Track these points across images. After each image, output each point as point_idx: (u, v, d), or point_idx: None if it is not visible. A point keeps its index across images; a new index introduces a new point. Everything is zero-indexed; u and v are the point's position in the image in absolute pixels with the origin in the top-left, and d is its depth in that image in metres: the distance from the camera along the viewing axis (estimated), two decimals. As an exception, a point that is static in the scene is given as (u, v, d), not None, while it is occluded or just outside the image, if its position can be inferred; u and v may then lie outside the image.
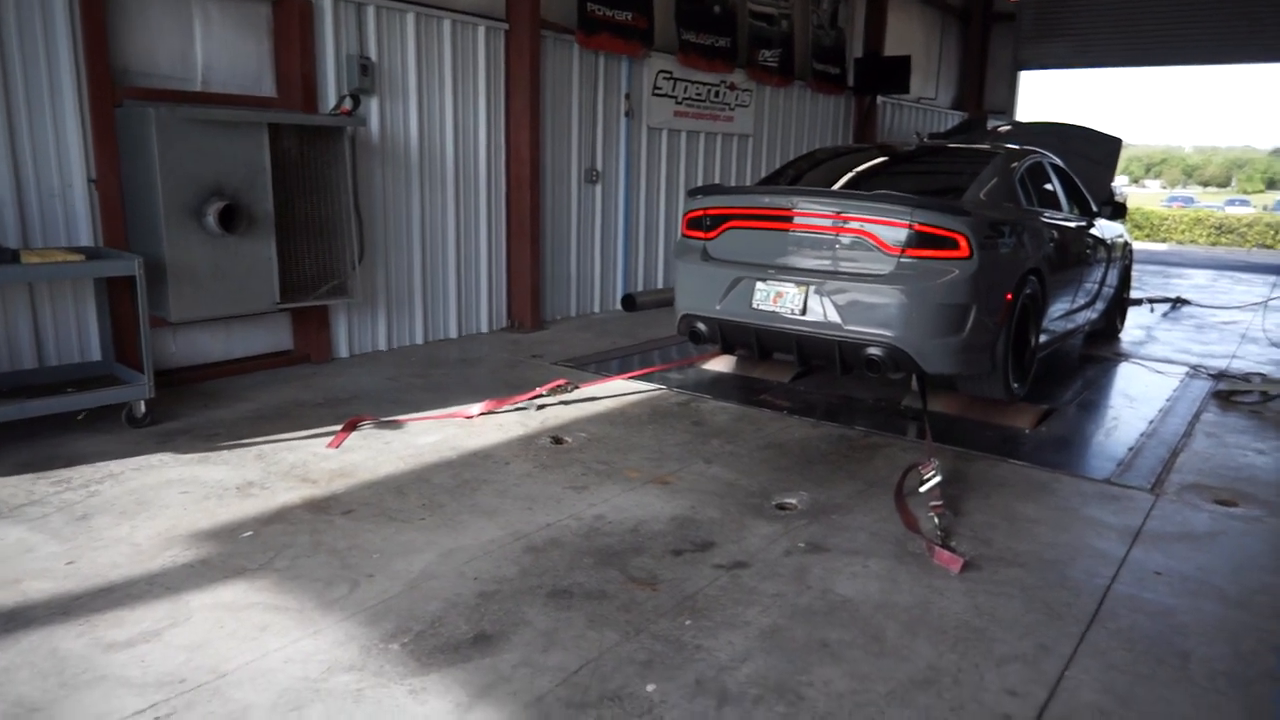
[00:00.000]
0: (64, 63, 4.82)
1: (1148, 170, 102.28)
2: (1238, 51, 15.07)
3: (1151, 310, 9.84)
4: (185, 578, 3.08)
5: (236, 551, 3.29)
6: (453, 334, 7.33)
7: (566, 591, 3.06)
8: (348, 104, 6.00)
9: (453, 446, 4.55)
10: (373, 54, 6.35)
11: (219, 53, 5.62)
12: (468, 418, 5.04)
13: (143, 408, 4.66)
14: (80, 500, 3.71)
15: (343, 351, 6.47)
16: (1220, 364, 7.09)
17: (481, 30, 7.14)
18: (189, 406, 5.08)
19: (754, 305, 5.25)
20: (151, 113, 4.83)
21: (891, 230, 4.88)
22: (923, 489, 3.93)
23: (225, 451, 4.37)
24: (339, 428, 4.75)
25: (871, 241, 4.93)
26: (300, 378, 5.85)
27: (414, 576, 3.14)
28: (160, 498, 3.76)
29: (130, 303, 4.69)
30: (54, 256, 4.36)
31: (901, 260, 4.86)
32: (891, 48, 13.24)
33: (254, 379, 5.74)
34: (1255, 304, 10.13)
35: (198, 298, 5.13)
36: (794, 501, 3.96)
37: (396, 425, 4.88)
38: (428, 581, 3.10)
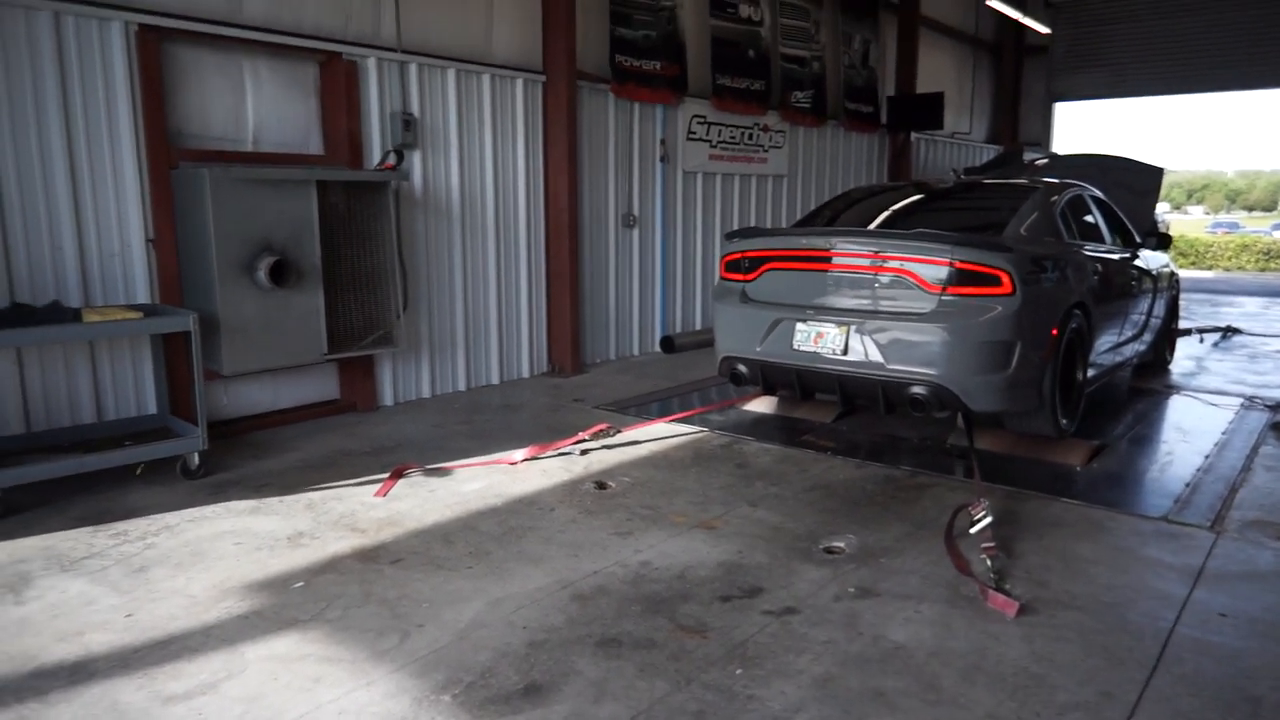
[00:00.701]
0: (124, 129, 5.04)
1: (1190, 196, 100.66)
2: (1272, 76, 14.88)
3: (1201, 340, 9.63)
4: (240, 629, 3.12)
5: (289, 602, 3.33)
6: (495, 380, 7.42)
7: (615, 640, 3.05)
8: (391, 159, 6.17)
9: (498, 493, 4.58)
10: (415, 109, 6.53)
11: (269, 113, 5.83)
12: (512, 464, 5.07)
13: (196, 460, 4.77)
14: (138, 552, 3.79)
15: (387, 399, 6.57)
16: (1277, 394, 6.90)
17: (520, 83, 7.32)
18: (240, 457, 5.18)
19: (795, 346, 5.25)
20: (206, 174, 5.01)
21: (932, 268, 4.86)
22: (973, 530, 3.86)
23: (276, 502, 4.44)
24: (386, 476, 4.81)
25: (912, 280, 4.92)
26: (346, 426, 5.95)
27: (463, 626, 3.15)
28: (214, 549, 3.83)
29: (185, 357, 4.83)
30: (113, 315, 4.52)
31: (943, 298, 4.83)
32: (924, 84, 13.28)
33: (301, 429, 5.85)
34: (1310, 332, 9.87)
35: (249, 351, 5.26)
36: (842, 545, 3.91)
37: (442, 473, 4.93)
38: (477, 631, 3.11)
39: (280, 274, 5.26)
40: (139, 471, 4.76)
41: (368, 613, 3.25)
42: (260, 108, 5.79)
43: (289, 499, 4.48)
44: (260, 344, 5.29)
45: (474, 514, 4.29)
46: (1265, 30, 14.52)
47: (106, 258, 5.06)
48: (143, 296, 5.21)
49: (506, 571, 3.62)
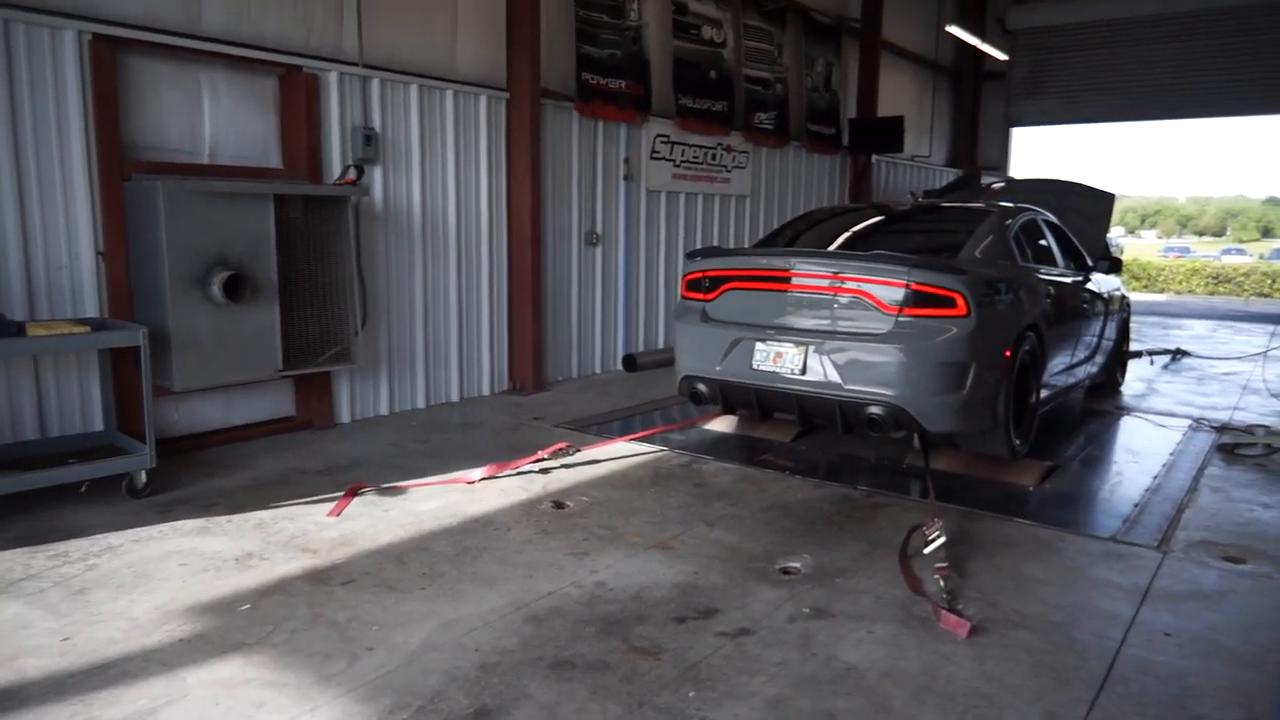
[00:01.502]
0: (75, 139, 4.94)
1: (1143, 221, 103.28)
2: (1225, 105, 15.39)
3: (1151, 362, 9.85)
4: (182, 653, 3.04)
5: (234, 625, 3.26)
6: (454, 397, 7.35)
7: (568, 662, 3.02)
8: (352, 174, 6.12)
9: (454, 513, 4.53)
10: (376, 124, 6.49)
11: (226, 126, 5.76)
12: (469, 483, 5.02)
13: (144, 478, 4.66)
14: (78, 574, 3.68)
15: (344, 417, 6.49)
16: (1223, 416, 7.07)
17: (484, 99, 7.31)
18: (190, 475, 5.07)
19: (754, 366, 5.27)
20: (159, 186, 4.93)
21: (889, 290, 4.92)
22: (927, 550, 3.90)
23: (225, 521, 4.35)
24: (340, 495, 4.74)
25: (869, 301, 4.98)
26: (301, 444, 5.85)
27: (414, 649, 3.10)
28: (159, 570, 3.74)
29: (134, 372, 4.73)
30: (59, 328, 4.41)
31: (900, 319, 4.89)
32: (885, 107, 13.50)
33: (255, 446, 5.75)
34: (1255, 354, 10.14)
35: (202, 366, 5.16)
36: (798, 565, 3.92)
37: (397, 492, 4.86)
38: (428, 654, 3.07)
39: (235, 289, 5.18)
40: (84, 489, 4.64)
41: (316, 635, 3.19)
42: (218, 120, 5.71)
43: (238, 519, 4.39)
44: (213, 360, 5.20)
45: (428, 534, 4.23)
46: (1215, 61, 15.00)
47: (54, 270, 4.95)
48: (91, 310, 5.09)
49: (460, 593, 3.58)
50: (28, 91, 4.77)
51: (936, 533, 3.93)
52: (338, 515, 4.46)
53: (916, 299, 4.87)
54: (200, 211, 5.06)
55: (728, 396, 5.55)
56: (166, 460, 5.07)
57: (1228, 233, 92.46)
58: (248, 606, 3.42)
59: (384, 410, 6.78)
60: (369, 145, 6.36)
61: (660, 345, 9.55)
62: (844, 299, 5.07)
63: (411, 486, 4.95)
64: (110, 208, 5.10)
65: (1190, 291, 27.82)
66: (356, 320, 5.99)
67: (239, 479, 5.06)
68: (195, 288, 5.09)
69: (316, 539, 4.14)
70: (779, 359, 5.19)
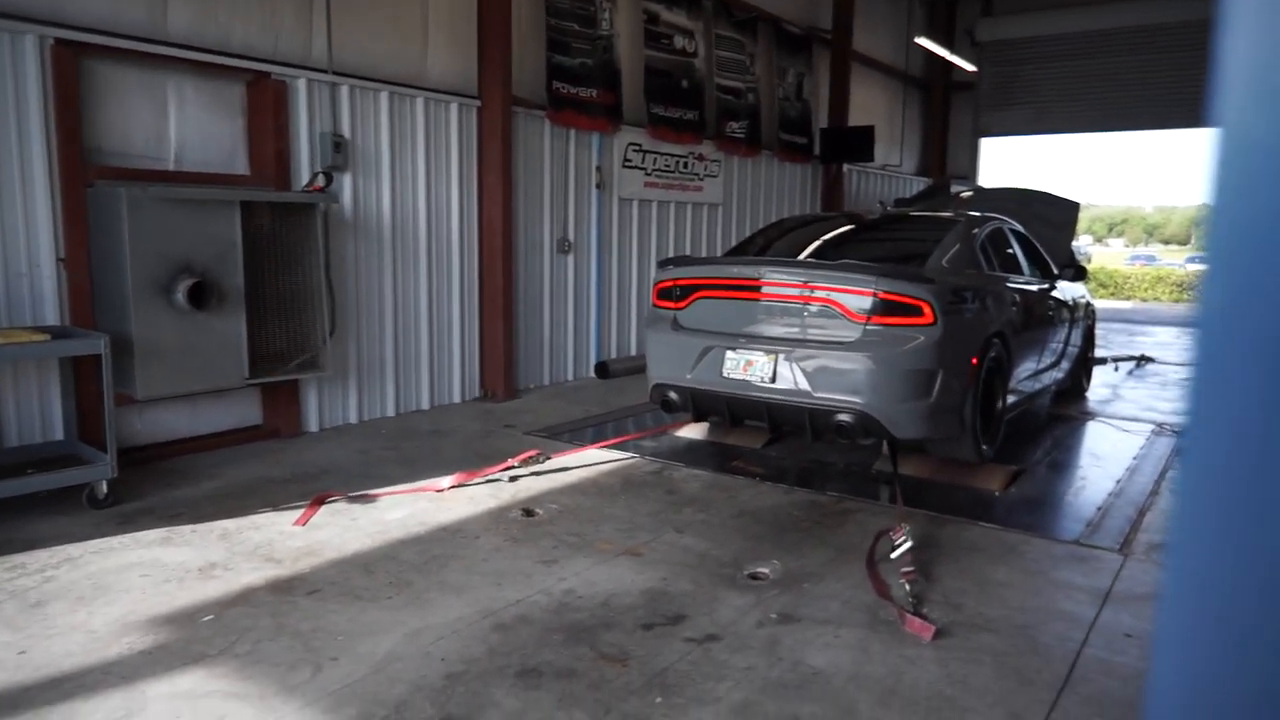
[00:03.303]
0: (36, 145, 4.87)
1: (1110, 230, 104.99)
2: (1190, 116, 15.68)
3: (1116, 369, 10.00)
4: (142, 666, 3.00)
5: (196, 636, 3.21)
6: (425, 405, 7.31)
7: (535, 671, 3.01)
8: (320, 181, 6.08)
9: (422, 521, 4.50)
10: (346, 131, 6.46)
11: (193, 132, 5.70)
12: (438, 491, 4.99)
13: (105, 488, 4.59)
14: (35, 586, 3.61)
15: (312, 425, 6.43)
16: (1185, 421, 7.18)
17: (454, 107, 7.30)
18: (153, 485, 5.00)
19: (724, 373, 5.30)
20: (123, 192, 4.87)
21: (857, 298, 4.97)
22: (894, 555, 3.93)
23: (188, 531, 4.29)
24: (306, 504, 4.69)
25: (838, 310, 5.02)
26: (268, 453, 5.79)
27: (379, 659, 3.07)
28: (119, 582, 3.68)
29: (95, 381, 4.65)
30: (18, 336, 4.34)
31: (868, 327, 4.94)
32: (856, 117, 13.64)
33: (221, 455, 5.68)
34: (1218, 361, 10.31)
35: (165, 375, 5.10)
36: (766, 571, 3.93)
37: (365, 500, 4.82)
38: (393, 664, 3.04)
39: (200, 296, 5.12)
40: (43, 496, 4.56)
41: (280, 646, 3.16)
42: (184, 126, 5.65)
43: (202, 528, 4.34)
44: (177, 368, 5.14)
45: (396, 542, 4.20)
46: (1180, 73, 15.30)
47: (13, 277, 4.86)
48: (52, 318, 5.01)
49: (427, 601, 3.55)
50: (-13, 96, 4.70)
51: (903, 537, 3.96)
52: (304, 524, 4.42)
53: (884, 307, 4.92)
54: (165, 218, 5.01)
55: (698, 404, 5.57)
56: (129, 470, 5.00)
57: (1193, 241, 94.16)
58: (210, 617, 3.37)
59: (353, 418, 6.72)
60: (338, 152, 6.33)
61: (633, 353, 9.56)
62: (813, 307, 5.11)
63: (380, 495, 4.92)
64: (72, 214, 5.02)
65: (1156, 299, 28.30)
66: (325, 328, 5.94)
67: (203, 488, 4.99)
68: (159, 295, 5.03)
69: (282, 548, 4.09)
70: (749, 367, 5.22)
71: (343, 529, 4.37)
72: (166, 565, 3.87)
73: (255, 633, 3.25)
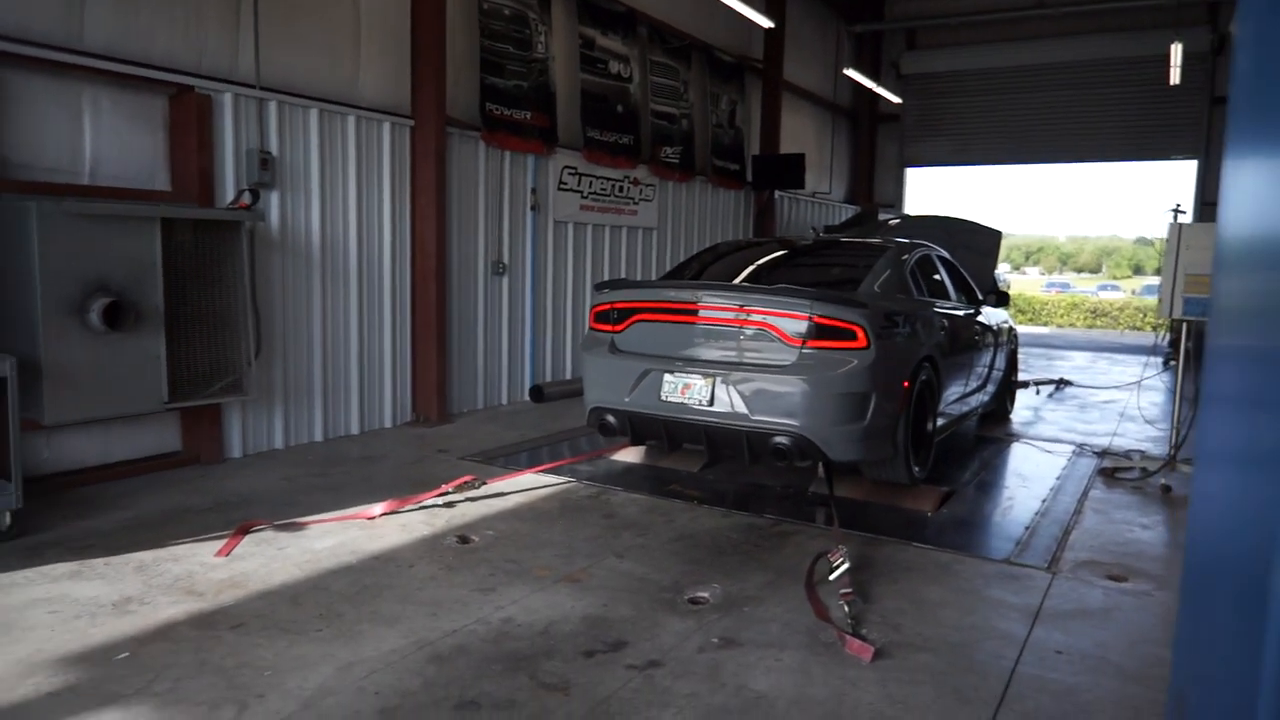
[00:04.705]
0: (-62, 156, 4.61)
1: (1027, 258, 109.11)
2: (1097, 151, 16.50)
3: (1038, 392, 10.34)
4: (50, 708, 2.81)
5: (110, 675, 3.03)
6: (354, 430, 7.12)
7: (473, 703, 2.92)
8: (246, 198, 5.90)
9: (352, 550, 4.36)
10: (274, 148, 6.29)
11: (110, 145, 5.47)
12: (369, 519, 4.84)
13: (8, 519, 4.31)
14: (-69, 626, 3.37)
15: (235, 451, 6.18)
16: (1103, 442, 7.47)
17: (387, 126, 7.19)
18: (61, 516, 4.73)
19: (663, 397, 5.28)
20: (33, 206, 4.63)
21: (793, 322, 5.02)
22: (832, 577, 3.95)
23: (100, 564, 4.06)
24: (230, 534, 4.49)
25: (774, 333, 5.06)
26: (188, 481, 5.54)
27: (309, 694, 2.94)
28: (24, 619, 3.45)
29: (0, 405, 4.39)
30: (-85, 358, 4.07)
31: (803, 351, 4.99)
32: (787, 145, 13.91)
33: (136, 483, 5.41)
34: (1131, 384, 10.77)
35: (77, 399, 4.84)
36: (706, 595, 3.91)
37: (292, 529, 4.65)
38: (324, 699, 2.91)
39: (116, 316, 4.89)
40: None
41: (202, 684, 2.99)
42: (100, 139, 5.42)
43: (116, 561, 4.11)
44: (90, 391, 4.89)
45: (326, 573, 4.05)
46: (1088, 110, 16.10)
47: (-89, 295, 4.58)
48: (-47, 339, 4.72)
49: (359, 633, 3.42)
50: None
51: (841, 559, 3.99)
52: (227, 555, 4.23)
53: (819, 331, 4.98)
54: (79, 234, 4.78)
55: (637, 428, 5.54)
56: (35, 500, 4.72)
57: (1103, 270, 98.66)
58: (126, 655, 3.18)
59: (279, 444, 6.50)
60: (265, 169, 6.15)
61: (568, 376, 9.50)
62: (750, 331, 5.15)
63: (308, 523, 4.74)
64: (-23, 229, 4.76)
65: (1071, 325, 29.49)
66: (250, 349, 5.74)
67: (117, 519, 4.74)
68: (72, 315, 4.79)
69: (203, 581, 3.90)
70: (687, 390, 5.22)
71: (269, 559, 4.20)
72: (77, 600, 3.65)
73: (175, 670, 3.08)
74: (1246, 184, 1.35)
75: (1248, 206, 1.32)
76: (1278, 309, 1.05)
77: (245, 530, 4.55)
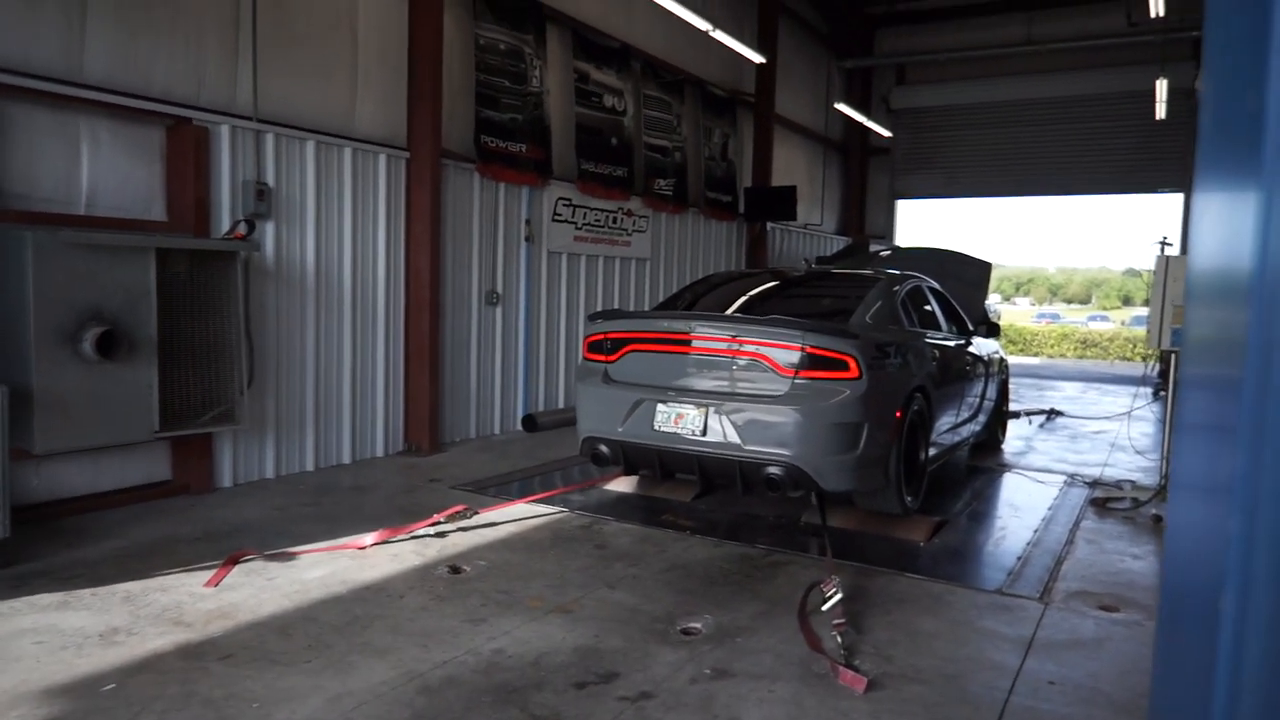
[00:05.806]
0: (-65, 185, 4.63)
1: (1017, 289, 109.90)
2: (1087, 184, 16.70)
3: (1029, 422, 10.37)
4: (33, 742, 2.77)
5: (96, 707, 3.00)
6: (347, 459, 7.10)
7: (463, 735, 2.90)
8: (242, 228, 5.94)
9: (343, 581, 4.33)
10: (270, 179, 6.33)
11: (107, 176, 5.51)
12: (360, 549, 4.82)
13: (-3, 549, 4.29)
14: (-85, 657, 3.33)
15: (226, 481, 6.16)
16: (1094, 472, 7.48)
17: (383, 158, 7.25)
18: (49, 546, 4.69)
19: (656, 427, 5.30)
20: (29, 236, 4.65)
21: (785, 353, 5.05)
22: (825, 607, 3.93)
23: (88, 595, 4.03)
24: (219, 564, 4.46)
25: (767, 364, 5.09)
26: (178, 510, 5.51)
27: (296, 727, 2.91)
28: (10, 649, 3.42)
29: (-9, 434, 4.37)
30: (-94, 387, 4.06)
31: (796, 381, 5.02)
32: (778, 177, 14.05)
33: (125, 513, 5.38)
34: (1121, 414, 10.82)
35: (68, 428, 4.83)
36: (698, 625, 3.90)
37: (283, 559, 4.62)
38: (311, 732, 2.89)
39: (109, 345, 4.90)
40: (-74, 563, 4.23)
41: (189, 715, 2.97)
42: (97, 170, 5.46)
43: (104, 591, 4.08)
44: (82, 420, 4.88)
45: (316, 603, 4.03)
46: (1079, 145, 16.32)
47: (-96, 324, 4.58)
48: (-55, 367, 4.72)
49: (349, 665, 3.40)
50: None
51: (834, 590, 3.98)
52: (216, 585, 4.20)
53: (811, 361, 5.02)
54: (74, 264, 4.80)
55: (630, 457, 5.55)
56: (24, 529, 4.69)
57: (1093, 300, 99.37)
58: (112, 686, 3.15)
59: (270, 473, 6.47)
60: (261, 200, 6.20)
61: (561, 405, 9.50)
62: (742, 361, 5.17)
63: (298, 553, 4.71)
64: (-28, 258, 4.77)
65: (1061, 355, 29.62)
66: (243, 379, 5.74)
67: (106, 549, 4.71)
68: (65, 344, 4.79)
69: (192, 611, 3.87)
70: (680, 420, 5.23)
71: (258, 589, 4.17)
72: (64, 631, 3.61)
73: (162, 702, 3.05)
74: (1212, 217, 1.40)
75: (1213, 238, 1.37)
76: (1235, 339, 1.08)
77: (235, 560, 4.52)
